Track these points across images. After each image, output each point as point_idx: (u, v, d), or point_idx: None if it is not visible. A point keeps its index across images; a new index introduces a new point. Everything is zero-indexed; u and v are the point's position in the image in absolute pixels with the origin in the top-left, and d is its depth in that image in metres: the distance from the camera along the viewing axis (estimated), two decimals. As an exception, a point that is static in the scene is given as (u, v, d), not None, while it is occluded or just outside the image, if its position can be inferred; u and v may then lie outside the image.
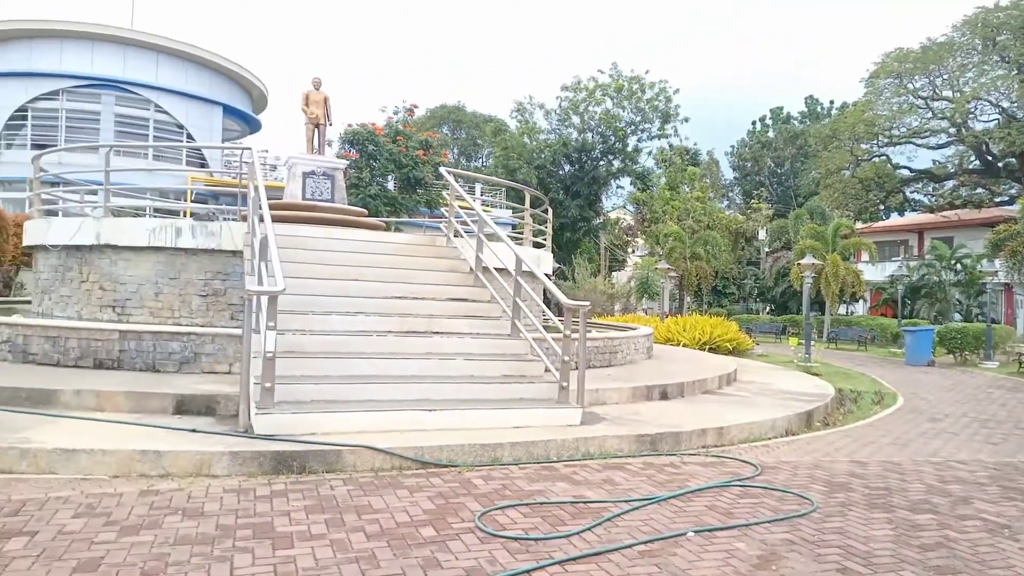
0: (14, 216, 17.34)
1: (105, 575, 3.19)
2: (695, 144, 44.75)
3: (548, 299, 9.74)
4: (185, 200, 21.62)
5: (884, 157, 33.56)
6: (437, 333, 7.50)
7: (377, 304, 7.74)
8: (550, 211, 13.18)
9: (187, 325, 9.12)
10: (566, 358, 6.56)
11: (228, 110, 31.14)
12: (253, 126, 34.88)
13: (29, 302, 12.17)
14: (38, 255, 10.93)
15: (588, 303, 6.95)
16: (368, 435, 5.54)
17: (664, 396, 8.48)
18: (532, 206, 12.11)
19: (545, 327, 7.89)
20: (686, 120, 36.00)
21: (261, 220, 7.18)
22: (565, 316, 6.56)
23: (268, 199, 13.03)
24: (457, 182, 10.19)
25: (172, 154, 28.84)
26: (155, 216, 11.03)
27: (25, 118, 26.72)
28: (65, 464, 4.73)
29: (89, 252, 9.83)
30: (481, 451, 5.54)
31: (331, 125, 14.29)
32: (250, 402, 5.63)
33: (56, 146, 26.33)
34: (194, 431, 5.45)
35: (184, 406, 6.14)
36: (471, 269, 9.17)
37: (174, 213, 18.21)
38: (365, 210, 14.15)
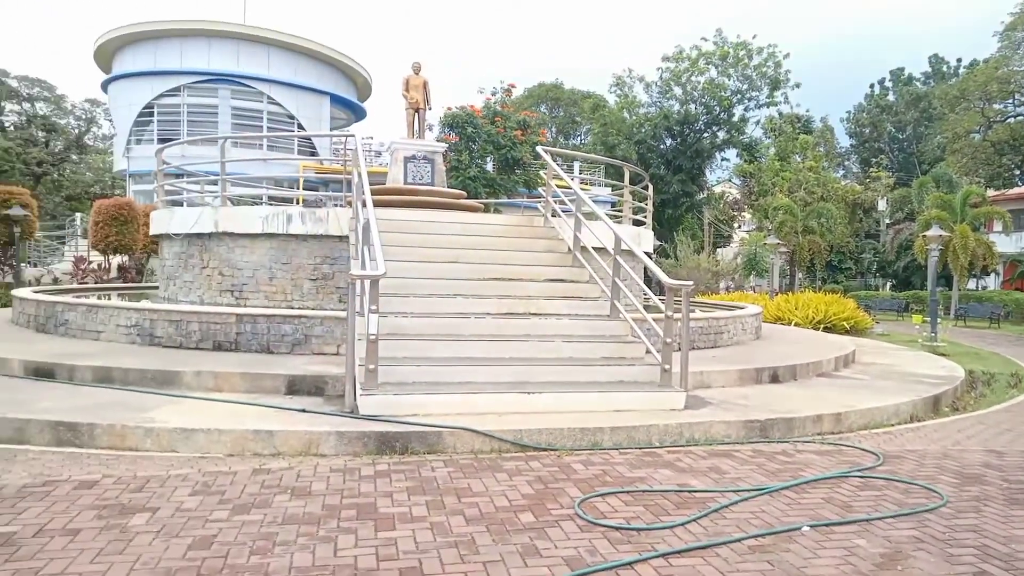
0: (144, 207, 18.66)
1: (217, 552, 3.34)
2: (807, 111, 42.41)
3: (649, 278, 9.49)
4: (296, 188, 22.57)
5: (1021, 118, 30.58)
6: (535, 315, 7.45)
7: (475, 286, 7.77)
8: (650, 187, 12.82)
9: (298, 308, 9.51)
10: (668, 340, 6.34)
11: (335, 99, 32.16)
12: (358, 114, 35.91)
13: (158, 287, 13.06)
14: (163, 243, 11.69)
15: (691, 282, 6.68)
16: (468, 417, 5.56)
17: (775, 379, 8.09)
18: (632, 182, 11.81)
19: (645, 307, 7.68)
20: (797, 86, 34.17)
21: (364, 205, 7.33)
22: (667, 296, 6.34)
23: (372, 184, 13.40)
24: (555, 161, 10.06)
25: (284, 144, 30.16)
26: (268, 204, 11.55)
27: (152, 114, 28.64)
28: (184, 443, 5.02)
29: (208, 239, 10.40)
30: (581, 435, 5.45)
31: (430, 109, 14.46)
32: (355, 383, 5.77)
33: (179, 140, 28.14)
34: (303, 411, 5.66)
35: (295, 386, 6.39)
36: (569, 249, 9.04)
37: (287, 201, 19.06)
38: (464, 192, 14.27)
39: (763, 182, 35.22)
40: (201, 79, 28.56)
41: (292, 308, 9.55)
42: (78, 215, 27.26)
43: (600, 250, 8.32)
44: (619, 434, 5.55)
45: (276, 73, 29.46)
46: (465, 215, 10.14)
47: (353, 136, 9.63)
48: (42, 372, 6.72)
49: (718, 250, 39.81)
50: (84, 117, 49.10)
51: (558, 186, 10.03)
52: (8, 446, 5.03)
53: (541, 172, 10.11)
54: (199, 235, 10.49)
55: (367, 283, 5.71)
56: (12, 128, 47.45)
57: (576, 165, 30.83)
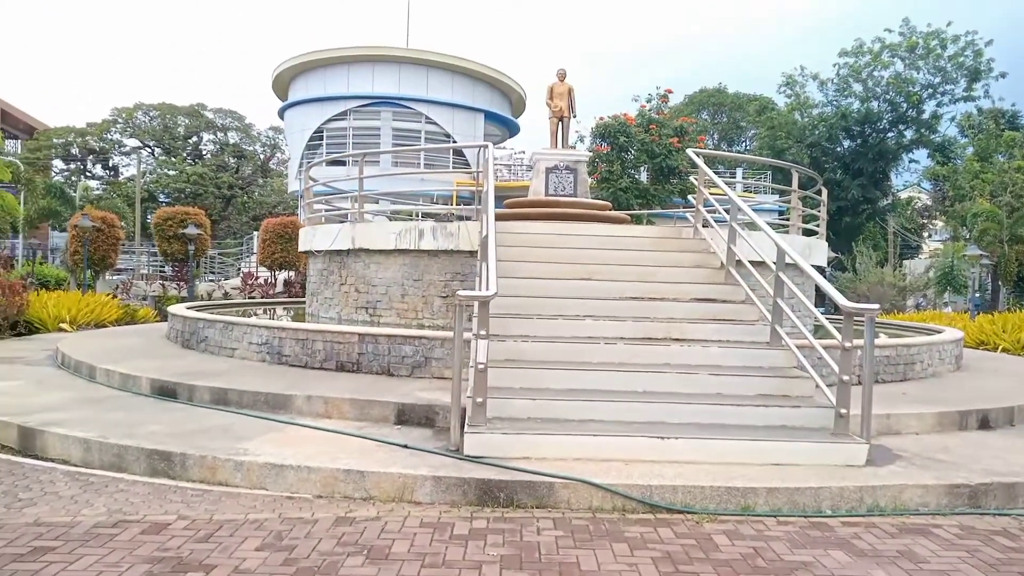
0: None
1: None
2: (1013, 105, 37.02)
3: (822, 297, 8.10)
4: (451, 204, 22.76)
5: None
6: (677, 340, 6.42)
7: (609, 306, 6.88)
8: (824, 192, 11.24)
9: (429, 326, 9.12)
10: (845, 377, 5.09)
11: (489, 116, 32.49)
12: (513, 129, 36.10)
13: (307, 302, 13.33)
14: (309, 260, 11.85)
15: (877, 306, 5.37)
16: (588, 464, 4.70)
17: (985, 424, 6.46)
18: (801, 187, 10.36)
19: (815, 333, 6.40)
20: (1002, 76, 29.77)
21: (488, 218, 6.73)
22: (845, 322, 5.11)
23: (516, 197, 12.87)
24: (711, 167, 8.93)
25: (440, 160, 30.83)
26: (400, 219, 11.39)
27: (321, 138, 30.37)
28: (274, 480, 4.58)
29: (346, 256, 10.32)
30: (727, 495, 4.40)
31: (575, 117, 13.73)
32: (463, 418, 5.10)
33: (344, 162, 29.59)
34: (405, 447, 5.07)
35: (404, 416, 5.85)
36: (722, 264, 7.89)
37: (433, 216, 19.20)
38: (609, 204, 13.38)
39: (959, 186, 31.03)
40: (365, 103, 29.88)
41: (423, 326, 9.19)
42: (255, 234, 29.40)
43: (760, 265, 7.12)
44: (778, 497, 4.43)
45: (433, 93, 30.20)
46: (605, 227, 9.26)
47: (487, 146, 9.09)
48: (166, 391, 6.70)
49: (905, 262, 35.63)
50: (269, 144, 53.67)
51: (712, 194, 8.89)
52: (106, 473, 4.85)
53: (692, 178, 8.97)
54: (338, 252, 10.45)
55: (476, 305, 5.04)
56: (208, 156, 52.89)
57: (739, 172, 28.82)
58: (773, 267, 6.35)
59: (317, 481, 4.53)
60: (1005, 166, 30.77)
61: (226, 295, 19.49)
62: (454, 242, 9.14)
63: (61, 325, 13.09)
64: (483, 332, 4.96)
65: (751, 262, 7.19)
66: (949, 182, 32.64)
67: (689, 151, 9.18)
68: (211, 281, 22.46)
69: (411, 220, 10.25)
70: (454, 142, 30.69)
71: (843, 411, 5.12)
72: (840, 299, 5.23)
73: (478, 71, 31.23)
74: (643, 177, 26.10)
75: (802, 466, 4.84)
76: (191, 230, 17.65)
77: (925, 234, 45.87)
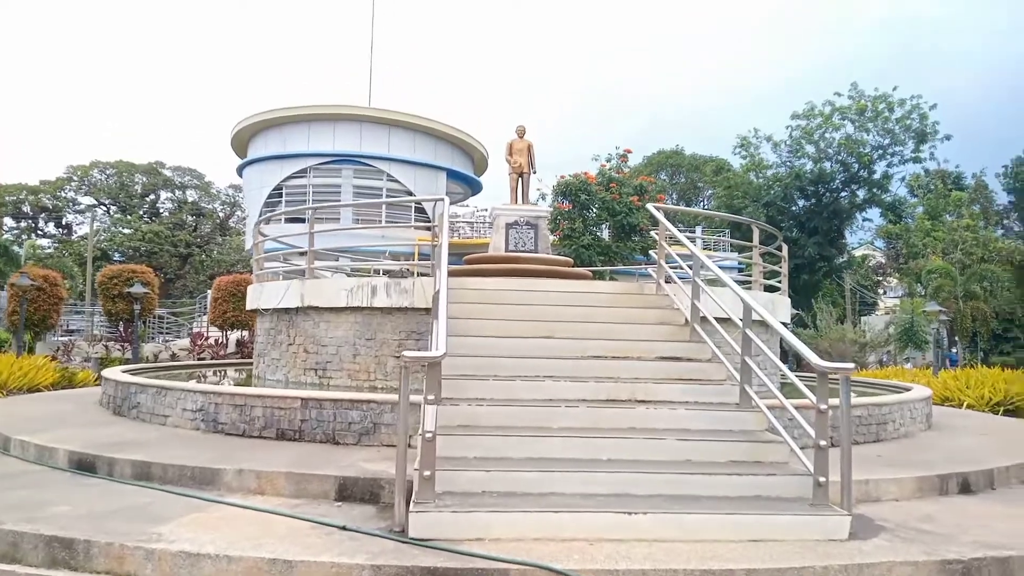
0: (260, 283, 18.90)
1: None
2: (956, 167, 38.59)
3: (785, 354, 7.82)
4: (413, 260, 22.36)
5: None
6: (642, 402, 6.03)
7: (570, 366, 6.48)
8: (784, 248, 11.15)
9: (382, 388, 8.61)
10: (822, 442, 4.73)
11: (452, 174, 32.51)
12: (475, 188, 36.16)
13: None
14: (257, 319, 11.28)
15: (852, 365, 5.06)
16: (548, 545, 4.21)
17: (966, 488, 6.15)
18: (762, 243, 10.23)
19: (782, 390, 6.07)
20: (947, 138, 30.97)
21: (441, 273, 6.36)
22: (819, 381, 4.78)
23: (477, 254, 12.53)
24: (671, 222, 8.73)
25: (402, 218, 30.55)
26: (355, 275, 10.96)
27: (280, 195, 29.93)
28: (189, 571, 3.99)
29: (295, 315, 9.81)
30: (701, 578, 3.95)
31: (535, 173, 13.64)
32: (409, 493, 4.60)
33: (304, 218, 29.10)
34: (343, 528, 4.52)
35: (346, 491, 5.30)
36: (686, 321, 7.59)
37: (400, 272, 18.76)
38: (570, 260, 13.16)
39: (912, 243, 31.84)
40: (326, 160, 29.66)
41: (375, 388, 8.68)
42: (209, 292, 28.54)
43: (725, 321, 6.84)
44: (756, 578, 3.99)
45: (395, 151, 30.15)
46: (566, 283, 8.95)
47: (442, 199, 8.79)
48: (84, 465, 6.04)
49: (862, 319, 36.12)
50: (228, 202, 53.01)
51: (673, 248, 8.66)
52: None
53: (653, 233, 8.76)
54: (287, 310, 9.94)
55: (425, 368, 4.60)
56: (166, 214, 51.94)
57: (699, 229, 29.10)
58: (739, 324, 6.05)
59: (238, 572, 3.95)
60: (954, 224, 31.76)
61: (173, 356, 18.63)
62: (409, 299, 8.72)
63: (-12, 390, 12.18)
64: (432, 396, 4.52)
65: (716, 319, 6.90)
66: (903, 240, 33.50)
67: (649, 206, 9.00)
68: (160, 342, 21.53)
69: (365, 276, 9.81)
70: (415, 200, 30.53)
71: (822, 479, 4.75)
72: (812, 357, 4.92)
73: (440, 130, 31.36)
74: (605, 235, 26.16)
75: (781, 542, 4.42)
76: (137, 289, 16.91)
77: (880, 291, 46.84)
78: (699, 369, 6.66)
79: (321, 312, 9.40)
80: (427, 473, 4.49)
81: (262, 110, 29.97)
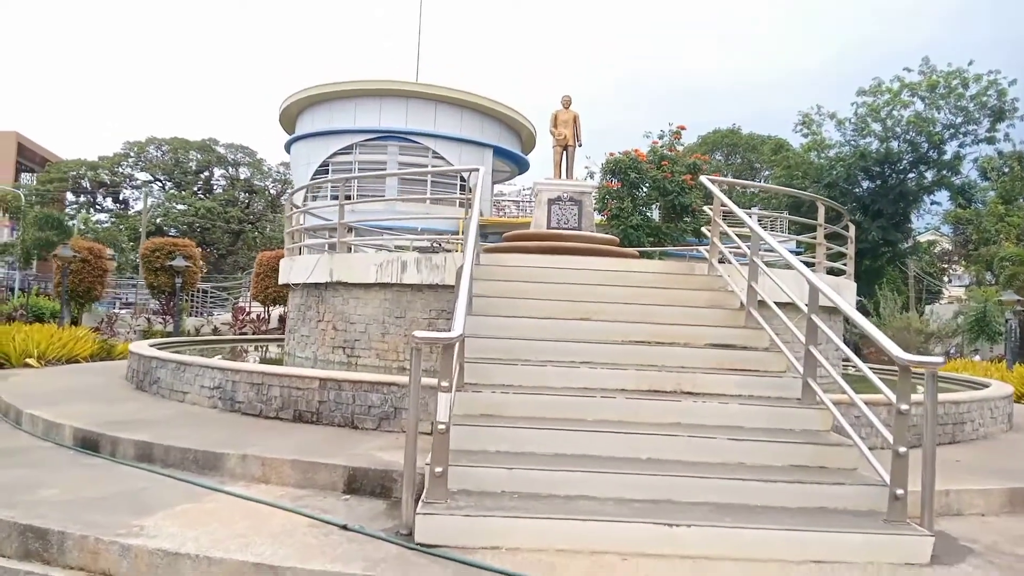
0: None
1: None
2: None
3: (848, 343, 7.03)
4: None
5: None
6: (689, 394, 5.37)
7: (610, 352, 5.85)
8: (852, 228, 10.23)
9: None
10: (901, 449, 4.02)
11: (498, 152, 31.86)
12: (522, 166, 35.46)
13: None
14: (289, 294, 10.94)
15: (940, 359, 4.32)
16: (574, 559, 3.64)
17: (1063, 502, 5.33)
18: (827, 223, 9.37)
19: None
20: (1028, 116, 28.77)
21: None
22: (901, 377, 4.06)
23: (517, 231, 11.94)
24: (727, 195, 7.95)
25: (448, 194, 30.11)
26: (382, 251, 10.50)
27: (327, 171, 29.80)
28: (166, 571, 3.54)
29: (325, 290, 9.40)
30: (755, 608, 3.32)
31: (580, 146, 12.91)
32: (420, 490, 4.08)
33: (349, 195, 28.92)
34: (344, 528, 4.02)
35: (356, 483, 4.81)
36: (741, 305, 6.87)
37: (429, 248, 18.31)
38: (616, 239, 12.44)
39: (984, 229, 29.93)
40: (371, 137, 29.36)
41: (404, 369, 8.19)
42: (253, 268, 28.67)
43: (785, 307, 6.10)
44: (821, 611, 3.35)
45: (441, 128, 29.64)
46: (609, 261, 8.29)
47: (477, 170, 8.21)
48: (88, 443, 5.70)
49: (927, 308, 34.30)
50: (280, 179, 53.46)
51: (729, 226, 7.89)
52: (-33, 554, 3.84)
53: (707, 209, 8.00)
54: (316, 285, 9.54)
55: (439, 350, 4.05)
56: (220, 191, 52.72)
57: (756, 207, 27.87)
58: (804, 308, 5.32)
59: (219, 576, 3.49)
60: None
61: (215, 331, 18.61)
62: (440, 275, 8.19)
63: (27, 360, 12.17)
64: (445, 383, 3.96)
65: (777, 303, 6.16)
66: (973, 225, 31.56)
67: (703, 178, 8.24)
68: (204, 316, 21.60)
69: (396, 252, 9.33)
70: (461, 177, 30.03)
71: (899, 491, 4.04)
72: (895, 349, 4.19)
73: (487, 106, 30.71)
74: (655, 215, 25.24)
75: (850, 564, 3.75)
76: (179, 262, 16.84)
77: (945, 279, 44.55)
78: (755, 358, 5.95)
79: (350, 288, 8.96)
80: (439, 470, 3.95)
81: (309, 85, 29.80)
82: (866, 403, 4.70)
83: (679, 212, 24.18)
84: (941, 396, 7.53)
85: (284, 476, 4.93)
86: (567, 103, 12.59)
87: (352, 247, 10.56)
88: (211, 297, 27.56)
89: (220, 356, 10.03)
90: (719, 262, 7.80)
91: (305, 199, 30.83)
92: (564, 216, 11.72)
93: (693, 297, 7.15)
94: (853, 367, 6.49)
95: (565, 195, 11.81)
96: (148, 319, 18.59)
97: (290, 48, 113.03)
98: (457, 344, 4.42)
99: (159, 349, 9.10)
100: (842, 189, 30.86)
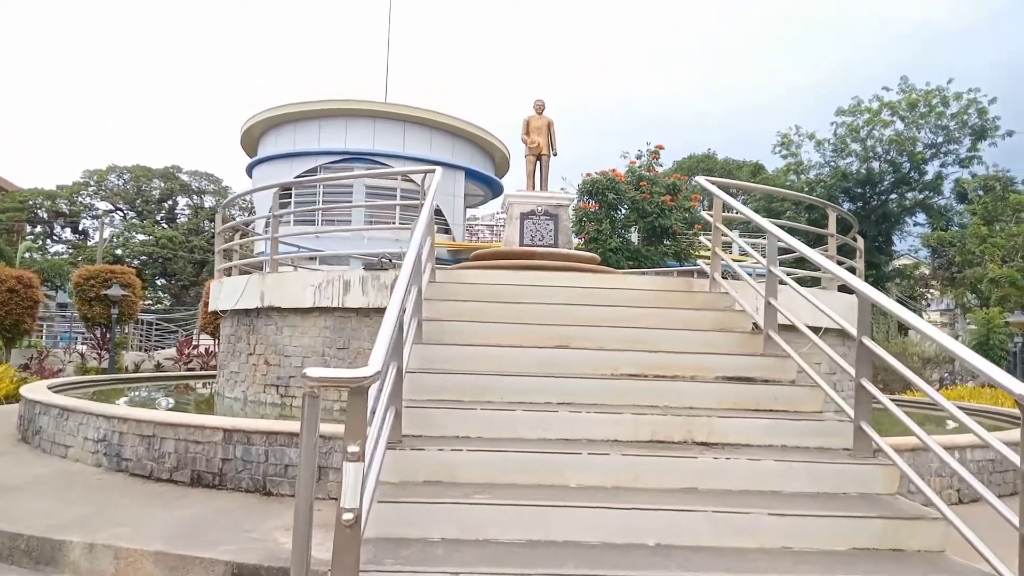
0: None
1: None
2: (1007, 171, 35.28)
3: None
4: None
5: None
6: (705, 446, 4.03)
7: (597, 389, 4.51)
8: (860, 241, 9.07)
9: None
10: (1020, 526, 2.71)
11: (470, 174, 30.68)
12: (496, 189, 34.27)
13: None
14: (221, 324, 9.48)
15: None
16: None
17: None
18: (838, 231, 8.20)
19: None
20: (1009, 135, 28.35)
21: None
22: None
23: (485, 251, 10.63)
24: (730, 199, 6.73)
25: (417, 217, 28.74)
26: (320, 269, 9.17)
27: (290, 196, 28.33)
28: None
29: (256, 317, 7.98)
30: None
31: (556, 155, 11.68)
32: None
33: (315, 221, 27.53)
34: (198, 676, 2.60)
35: (243, 585, 3.38)
36: (755, 327, 5.60)
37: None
38: (597, 256, 11.18)
39: (969, 250, 29.25)
40: (337, 159, 28.01)
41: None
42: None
43: (814, 331, 4.82)
44: None
45: (410, 149, 28.39)
46: (591, 277, 7.00)
47: (433, 171, 6.92)
48: None
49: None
50: (246, 207, 51.81)
51: (737, 228, 6.63)
52: None
53: (705, 215, 6.69)
54: (247, 312, 8.11)
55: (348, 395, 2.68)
56: (185, 220, 50.90)
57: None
58: (853, 332, 4.04)
59: None
60: (1014, 230, 29.17)
61: (158, 366, 16.94)
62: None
63: (-78, 404, 10.52)
64: (355, 447, 2.59)
65: (802, 325, 4.88)
66: (956, 247, 30.92)
67: (699, 179, 7.00)
68: (146, 351, 19.86)
69: (339, 270, 7.97)
70: (434, 202, 28.76)
71: (1029, 593, 2.71)
72: (1011, 383, 2.90)
73: (458, 127, 29.58)
74: (634, 238, 24.19)
75: None
76: (115, 291, 15.24)
77: (924, 303, 43.99)
78: (782, 395, 4.63)
79: (284, 314, 7.56)
80: (343, 582, 2.55)
81: (272, 105, 28.47)
82: (943, 444, 3.40)
83: (659, 235, 23.18)
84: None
85: (146, 574, 3.49)
86: (540, 108, 11.40)
87: (296, 266, 9.18)
88: (157, 330, 25.77)
89: (120, 401, 8.37)
90: (720, 276, 6.53)
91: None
92: (538, 232, 10.47)
93: (695, 319, 5.84)
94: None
95: (539, 208, 10.57)
96: (82, 355, 16.91)
97: (255, 72, 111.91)
98: (380, 385, 3.07)
99: (58, 391, 7.59)
100: (823, 212, 30.12)
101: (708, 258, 6.65)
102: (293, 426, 5.10)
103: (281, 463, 4.90)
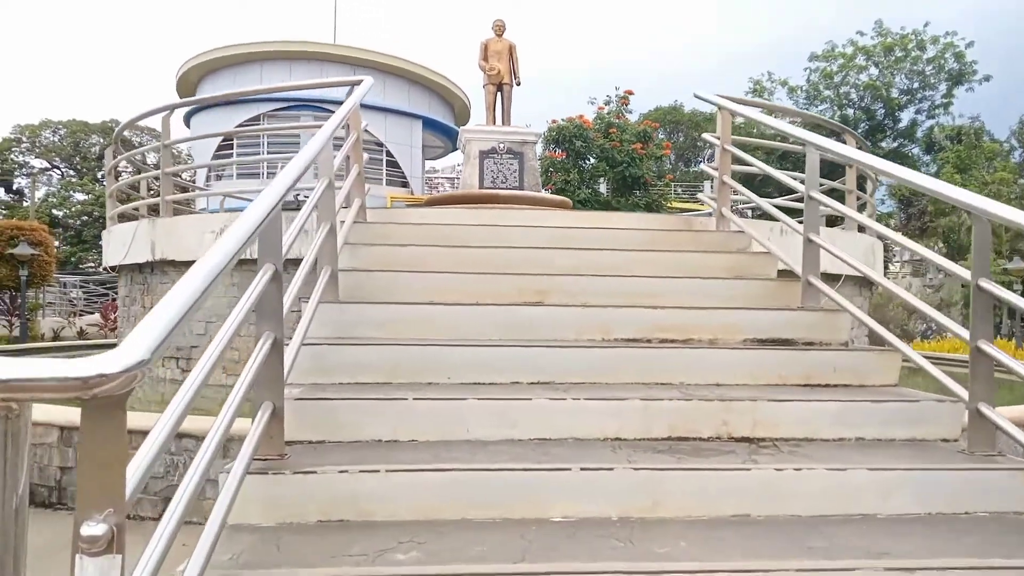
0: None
1: None
2: (973, 120, 34.32)
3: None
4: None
5: None
6: (750, 443, 2.70)
7: (584, 361, 3.15)
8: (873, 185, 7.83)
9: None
10: None
11: (428, 123, 28.83)
12: (456, 140, 32.51)
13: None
14: (119, 284, 7.90)
15: None
16: None
17: None
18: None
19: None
20: (986, 79, 27.43)
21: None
22: None
23: (440, 195, 9.14)
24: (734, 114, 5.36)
25: (373, 173, 26.95)
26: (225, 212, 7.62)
27: (231, 146, 26.26)
28: None
29: (151, 274, 6.43)
30: None
31: (519, 84, 10.15)
32: None
33: (258, 172, 25.54)
34: None
35: None
36: (782, 273, 4.30)
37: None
38: (569, 201, 9.77)
39: (940, 201, 28.53)
40: (282, 106, 25.93)
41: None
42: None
43: (855, 280, 3.52)
44: None
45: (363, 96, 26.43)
46: (565, 215, 5.60)
47: (360, 81, 5.42)
48: None
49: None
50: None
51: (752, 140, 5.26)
52: None
53: (708, 137, 5.26)
54: (140, 267, 6.54)
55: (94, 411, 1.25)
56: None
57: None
58: (965, 274, 2.74)
59: None
60: (988, 178, 28.56)
61: (81, 333, 15.20)
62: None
63: None
64: (95, 528, 1.17)
65: (868, 272, 3.57)
66: (928, 197, 30.22)
67: (699, 92, 5.61)
68: (73, 316, 18.04)
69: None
70: (387, 151, 26.98)
71: None
72: None
73: (415, 72, 27.63)
74: (603, 188, 22.89)
75: None
76: (22, 249, 13.40)
77: (890, 253, 43.75)
78: (842, 363, 3.32)
79: (181, 269, 6.02)
80: None
81: (210, 48, 26.15)
82: None
83: (630, 185, 21.93)
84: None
85: None
86: (500, 29, 9.82)
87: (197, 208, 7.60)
88: (88, 294, 23.75)
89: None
90: (728, 211, 5.18)
91: (208, 178, 27.30)
92: (500, 172, 9.01)
93: (703, 264, 4.50)
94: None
95: (501, 146, 9.10)
96: (-11, 322, 15.09)
97: (197, 19, 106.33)
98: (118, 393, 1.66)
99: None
100: (796, 159, 29.08)
101: (694, 204, 5.31)
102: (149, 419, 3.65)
103: (139, 473, 3.49)
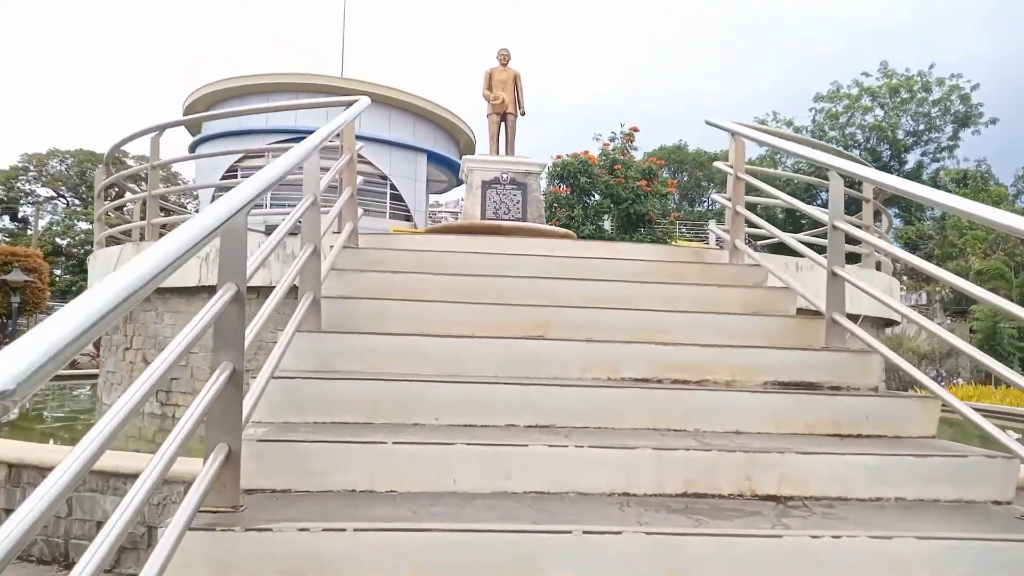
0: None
1: None
2: (978, 165, 34.35)
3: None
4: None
5: None
6: (777, 501, 2.36)
7: (588, 402, 2.82)
8: (886, 220, 7.56)
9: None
10: None
11: (433, 158, 28.84)
12: (460, 175, 32.56)
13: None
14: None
15: None
16: None
17: None
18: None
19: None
20: (992, 122, 27.43)
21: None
22: None
23: (441, 225, 8.91)
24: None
25: (376, 207, 26.86)
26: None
27: (235, 176, 26.23)
28: None
29: (134, 300, 6.08)
30: None
31: (524, 115, 9.98)
32: None
33: (262, 204, 25.39)
34: None
35: None
36: (801, 310, 3.99)
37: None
38: (573, 233, 9.51)
39: (951, 243, 28.31)
40: (286, 138, 25.93)
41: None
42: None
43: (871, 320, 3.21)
44: None
45: (368, 129, 26.41)
46: (569, 244, 5.31)
47: (359, 99, 5.19)
48: None
49: (887, 328, 32.57)
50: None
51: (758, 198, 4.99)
52: None
53: (721, 166, 4.99)
54: (123, 293, 6.22)
55: None
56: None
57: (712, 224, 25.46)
58: (1020, 314, 2.42)
59: None
60: (978, 266, 28.39)
61: (73, 364, 14.85)
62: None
63: None
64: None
65: (905, 311, 3.26)
66: (936, 241, 30.01)
67: (712, 119, 5.37)
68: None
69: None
70: (392, 184, 26.91)
71: None
72: None
73: (421, 107, 27.70)
74: (607, 225, 22.71)
75: None
76: (15, 276, 13.16)
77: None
78: (876, 411, 2.98)
79: (165, 296, 5.75)
80: None
81: (217, 79, 26.29)
82: None
83: (634, 222, 21.74)
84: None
85: None
86: (505, 59, 9.68)
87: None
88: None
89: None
90: (743, 243, 4.89)
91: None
92: (503, 203, 8.77)
93: (718, 298, 4.18)
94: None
95: (504, 176, 8.87)
96: (-22, 349, 14.76)
97: (204, 52, 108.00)
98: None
99: None
100: (802, 201, 29.02)
101: (699, 243, 5.03)
102: (121, 460, 3.33)
103: (92, 518, 3.13)
